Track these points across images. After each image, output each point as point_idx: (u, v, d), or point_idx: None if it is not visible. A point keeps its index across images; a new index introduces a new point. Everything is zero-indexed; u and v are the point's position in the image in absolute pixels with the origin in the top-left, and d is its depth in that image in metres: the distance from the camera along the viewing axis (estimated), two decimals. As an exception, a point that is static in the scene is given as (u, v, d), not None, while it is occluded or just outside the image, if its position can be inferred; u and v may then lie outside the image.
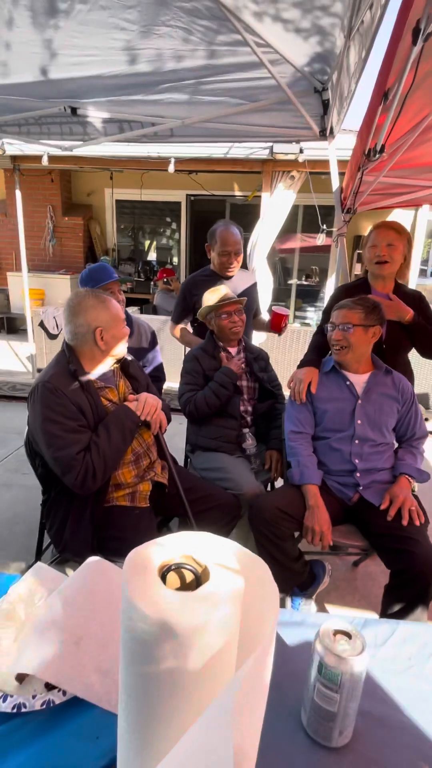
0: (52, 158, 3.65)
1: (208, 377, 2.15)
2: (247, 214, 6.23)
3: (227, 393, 2.05)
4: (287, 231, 6.56)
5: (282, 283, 7.05)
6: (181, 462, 2.40)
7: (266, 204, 3.86)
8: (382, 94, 1.26)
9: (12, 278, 6.90)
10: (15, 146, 3.82)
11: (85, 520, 1.53)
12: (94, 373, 1.61)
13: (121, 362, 1.73)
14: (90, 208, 7.20)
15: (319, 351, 2.04)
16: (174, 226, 7.34)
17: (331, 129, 2.24)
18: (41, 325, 4.48)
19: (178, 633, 0.37)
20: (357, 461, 1.81)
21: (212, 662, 0.39)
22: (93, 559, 0.82)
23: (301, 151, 3.53)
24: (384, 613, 1.64)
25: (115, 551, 1.55)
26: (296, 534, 1.79)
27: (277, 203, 3.80)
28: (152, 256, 7.63)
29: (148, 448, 1.74)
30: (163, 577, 0.43)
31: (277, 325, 2.35)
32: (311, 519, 1.70)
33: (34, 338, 4.67)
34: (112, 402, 1.62)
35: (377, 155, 1.43)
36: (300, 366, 2.02)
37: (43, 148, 3.68)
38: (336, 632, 0.63)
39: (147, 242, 7.61)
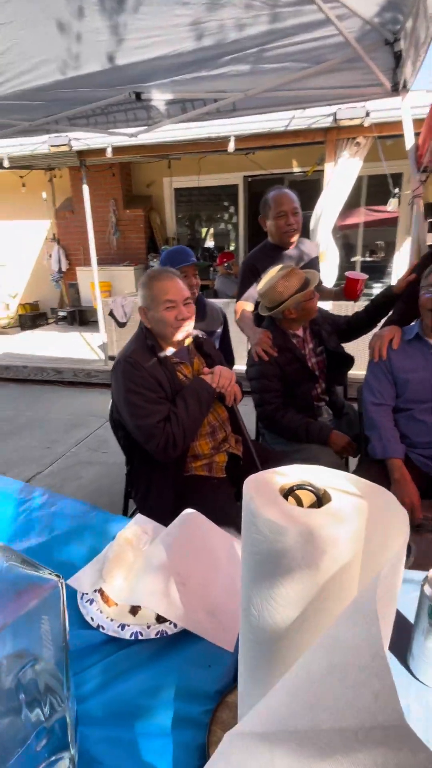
0: (115, 149, 3.75)
1: (287, 375, 2.02)
2: (306, 191, 6.05)
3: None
4: (350, 206, 6.31)
5: (345, 261, 6.80)
6: (253, 434, 2.43)
7: (330, 175, 3.72)
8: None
9: (81, 273, 7.26)
10: (81, 141, 3.97)
11: (167, 488, 1.60)
12: (168, 350, 1.66)
13: (195, 340, 1.76)
14: (150, 199, 7.36)
15: (401, 317, 1.95)
16: (231, 210, 7.31)
17: (404, 83, 2.10)
18: (111, 314, 4.67)
19: (313, 540, 0.38)
20: (442, 432, 1.72)
21: (341, 573, 0.40)
22: (189, 511, 0.86)
23: (367, 114, 3.36)
24: None
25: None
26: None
27: (342, 173, 3.65)
28: (211, 242, 7.66)
29: (223, 421, 1.77)
30: (285, 497, 0.44)
31: (352, 291, 2.23)
32: (399, 493, 1.64)
33: (105, 328, 4.89)
34: (186, 377, 1.66)
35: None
36: (383, 326, 1.95)
37: (107, 141, 3.81)
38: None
39: (205, 229, 7.65)
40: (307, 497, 0.46)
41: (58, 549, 0.94)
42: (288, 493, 0.44)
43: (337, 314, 2.37)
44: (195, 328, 2.33)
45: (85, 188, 4.13)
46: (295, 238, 2.28)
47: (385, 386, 1.83)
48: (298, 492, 0.45)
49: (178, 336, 1.64)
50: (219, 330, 2.48)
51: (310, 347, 2.15)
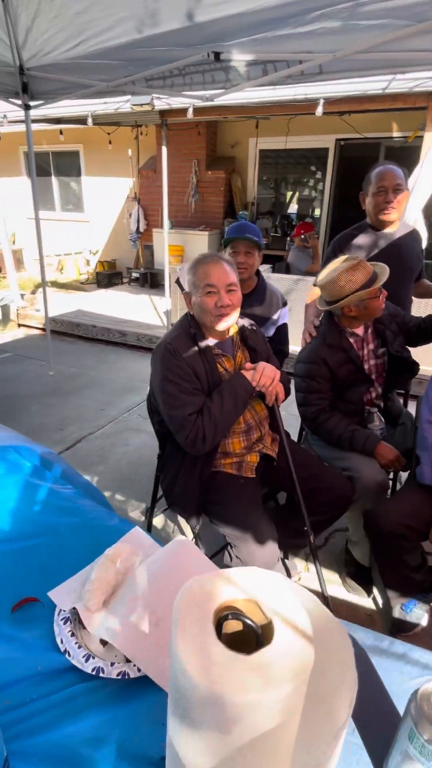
0: (197, 110, 3.58)
1: (338, 378, 1.86)
2: (405, 158, 5.46)
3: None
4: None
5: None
6: (295, 434, 2.33)
7: (429, 145, 3.30)
8: None
9: (156, 234, 7.26)
10: (163, 101, 3.83)
11: (193, 481, 1.58)
12: (211, 340, 1.59)
13: (242, 332, 1.68)
14: (233, 161, 7.07)
15: None
16: (319, 175, 6.83)
17: None
18: (177, 282, 4.63)
19: (224, 704, 0.32)
20: None
21: (264, 740, 0.33)
22: (181, 539, 0.82)
23: None
24: None
25: (217, 515, 1.58)
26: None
27: (442, 145, 3.22)
28: (293, 209, 7.26)
29: (260, 420, 1.69)
30: (220, 623, 0.37)
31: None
32: None
33: (170, 294, 4.88)
34: (227, 370, 1.59)
35: None
36: None
37: (188, 101, 3.65)
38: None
39: (288, 194, 7.25)
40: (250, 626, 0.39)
41: (49, 552, 0.94)
42: (224, 618, 0.38)
43: (412, 314, 2.15)
44: (253, 312, 2.24)
45: (164, 149, 4.03)
46: (392, 217, 2.05)
47: (447, 403, 1.64)
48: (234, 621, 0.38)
49: (219, 325, 1.55)
50: (276, 316, 2.35)
51: (370, 348, 1.96)
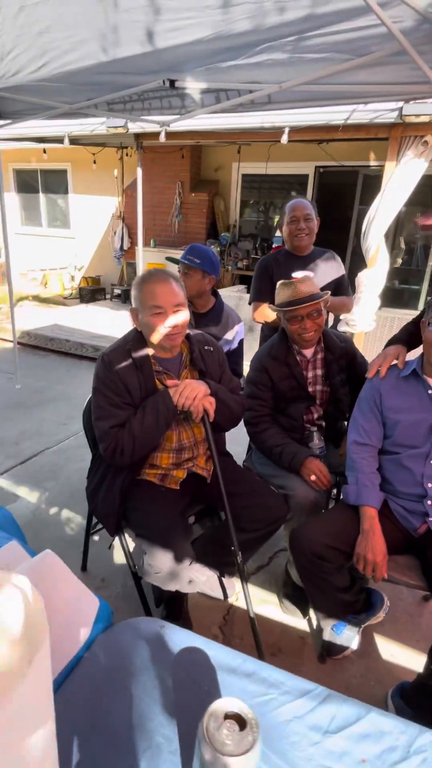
0: (170, 134, 3.67)
1: (278, 390, 1.91)
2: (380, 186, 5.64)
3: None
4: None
5: (419, 265, 6.32)
6: (244, 452, 2.33)
7: (389, 174, 3.41)
8: None
9: (141, 252, 7.35)
10: (137, 124, 3.93)
11: (115, 489, 1.58)
12: (155, 356, 1.60)
13: (191, 352, 1.67)
14: (216, 184, 7.23)
15: (410, 336, 1.74)
16: (299, 200, 7.00)
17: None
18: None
19: None
20: (430, 486, 1.53)
21: None
22: (46, 553, 0.81)
23: (438, 110, 3.00)
24: (425, 671, 1.39)
25: (135, 521, 1.58)
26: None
27: (403, 174, 3.33)
28: (276, 232, 7.41)
29: (196, 443, 1.69)
30: None
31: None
32: (364, 546, 1.49)
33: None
34: (164, 386, 1.59)
35: None
36: (387, 345, 1.76)
37: (160, 124, 3.74)
38: (228, 715, 0.51)
39: (269, 218, 7.40)
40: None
41: None
42: None
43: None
44: (209, 331, 2.27)
45: (139, 171, 4.11)
46: (304, 242, 2.35)
47: (373, 425, 1.66)
48: None
49: (165, 344, 1.57)
50: (231, 336, 2.39)
51: (317, 373, 1.98)
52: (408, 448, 1.58)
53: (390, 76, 1.99)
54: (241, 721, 0.50)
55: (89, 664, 0.71)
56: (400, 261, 6.58)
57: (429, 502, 1.53)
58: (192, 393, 1.48)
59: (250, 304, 2.59)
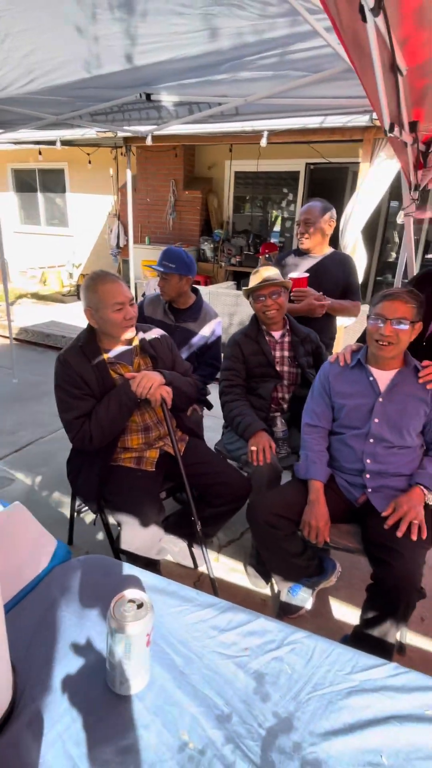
0: (158, 138, 3.84)
1: (249, 364, 2.16)
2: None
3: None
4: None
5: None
6: (219, 437, 2.53)
7: (364, 174, 3.58)
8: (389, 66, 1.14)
9: (135, 250, 7.53)
10: (125, 128, 4.11)
11: (93, 474, 1.77)
12: (112, 350, 1.79)
13: (141, 341, 1.88)
14: (210, 181, 7.39)
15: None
16: (291, 197, 7.14)
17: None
18: (143, 296, 4.87)
19: None
20: (368, 461, 1.73)
21: None
22: (16, 505, 1.01)
23: (406, 114, 3.16)
24: (361, 618, 1.59)
25: (113, 504, 1.78)
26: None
27: (376, 174, 3.49)
28: (276, 228, 7.55)
29: (159, 421, 1.90)
30: None
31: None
32: (309, 513, 1.70)
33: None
34: (122, 377, 1.78)
35: (395, 130, 1.29)
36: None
37: (148, 129, 3.92)
38: (130, 600, 0.71)
39: (261, 215, 7.56)
40: None
41: None
42: None
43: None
44: (187, 326, 2.48)
45: (128, 172, 4.31)
46: (308, 246, 2.48)
47: (323, 409, 1.86)
48: None
49: (127, 335, 1.77)
50: (208, 332, 2.58)
51: (285, 354, 2.21)
52: (351, 429, 1.77)
53: (348, 91, 2.16)
54: (140, 604, 0.71)
55: (44, 588, 0.92)
56: (393, 255, 6.73)
57: (367, 476, 1.72)
58: (148, 383, 1.68)
59: None
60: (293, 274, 2.35)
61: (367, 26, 0.88)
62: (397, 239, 6.63)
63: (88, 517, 2.49)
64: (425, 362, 1.70)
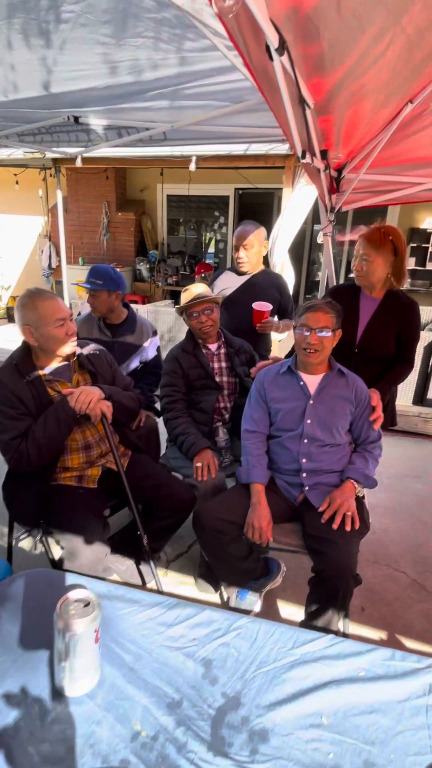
0: (88, 160, 3.88)
1: (189, 378, 2.20)
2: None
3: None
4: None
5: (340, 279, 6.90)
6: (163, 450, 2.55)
7: (287, 199, 3.84)
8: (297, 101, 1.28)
9: (69, 271, 7.42)
10: (54, 149, 4.12)
11: (30, 496, 1.71)
12: (47, 367, 1.76)
13: (79, 357, 1.87)
14: (143, 204, 7.50)
15: None
16: (222, 220, 7.43)
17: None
18: (79, 315, 4.81)
19: None
20: (304, 461, 1.83)
21: None
22: None
23: (321, 144, 3.47)
24: (306, 612, 1.67)
25: (54, 524, 1.72)
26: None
27: (298, 199, 3.76)
28: (211, 249, 7.77)
29: (101, 438, 1.88)
30: None
31: (255, 321, 2.41)
32: (251, 516, 1.75)
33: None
34: (60, 394, 1.74)
35: (307, 157, 1.44)
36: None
37: (77, 150, 3.96)
38: (77, 600, 0.73)
39: (195, 236, 7.77)
40: None
41: None
42: None
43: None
44: (125, 340, 2.50)
45: (59, 193, 4.29)
46: (246, 269, 2.58)
47: (260, 415, 1.95)
48: None
49: (67, 349, 1.76)
50: (147, 344, 2.62)
51: (222, 365, 2.29)
52: (287, 432, 1.88)
53: (268, 120, 2.34)
54: (86, 603, 0.72)
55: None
56: (320, 275, 7.16)
57: (303, 475, 1.82)
58: (87, 398, 1.65)
59: None
60: (256, 306, 2.41)
61: (273, 64, 0.99)
62: (322, 260, 7.08)
63: (28, 544, 2.39)
64: (374, 400, 1.84)
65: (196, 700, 0.75)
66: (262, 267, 2.67)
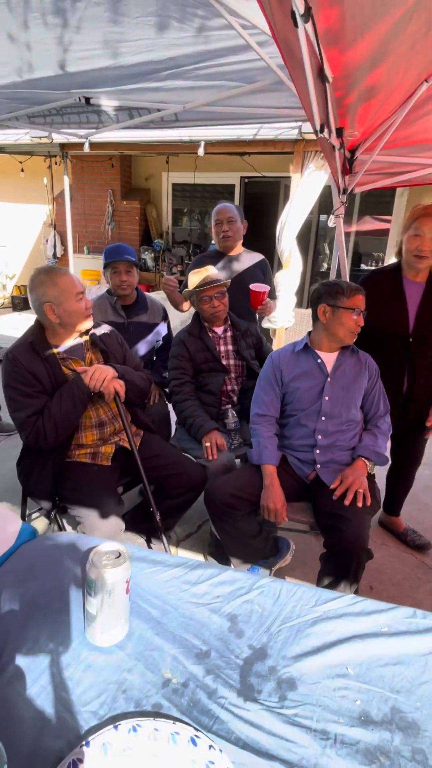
0: (94, 145, 3.86)
1: (196, 361, 2.21)
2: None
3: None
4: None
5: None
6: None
7: (296, 185, 3.82)
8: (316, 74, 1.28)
9: (75, 259, 7.41)
10: (62, 134, 4.09)
11: (46, 472, 1.73)
12: (62, 345, 1.77)
13: (92, 336, 1.88)
14: (148, 192, 7.47)
15: None
16: (227, 209, 7.39)
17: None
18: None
19: None
20: (319, 437, 1.85)
21: None
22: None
23: (331, 129, 3.45)
24: (317, 587, 1.69)
25: (70, 500, 1.75)
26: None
27: (306, 185, 3.75)
28: (205, 239, 7.75)
29: (114, 416, 1.90)
30: None
31: (255, 302, 2.40)
32: (266, 497, 1.77)
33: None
34: (74, 372, 1.76)
35: (324, 131, 1.44)
36: None
37: (86, 134, 3.94)
38: (108, 552, 0.74)
39: (200, 226, 7.74)
40: None
41: None
42: None
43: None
44: (140, 319, 2.51)
45: (66, 179, 4.28)
46: (231, 244, 2.53)
47: (271, 398, 1.95)
48: None
49: (87, 324, 1.78)
50: (160, 323, 2.64)
51: (229, 348, 2.30)
52: (305, 410, 1.88)
53: (279, 101, 2.33)
54: (117, 555, 0.74)
55: (14, 561, 0.92)
56: (325, 266, 7.13)
57: (317, 451, 1.84)
58: (101, 376, 1.68)
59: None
60: (254, 287, 2.38)
61: (298, 32, 0.99)
62: (327, 251, 7.05)
63: (41, 525, 2.41)
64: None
65: (224, 651, 0.77)
66: (242, 248, 2.64)
